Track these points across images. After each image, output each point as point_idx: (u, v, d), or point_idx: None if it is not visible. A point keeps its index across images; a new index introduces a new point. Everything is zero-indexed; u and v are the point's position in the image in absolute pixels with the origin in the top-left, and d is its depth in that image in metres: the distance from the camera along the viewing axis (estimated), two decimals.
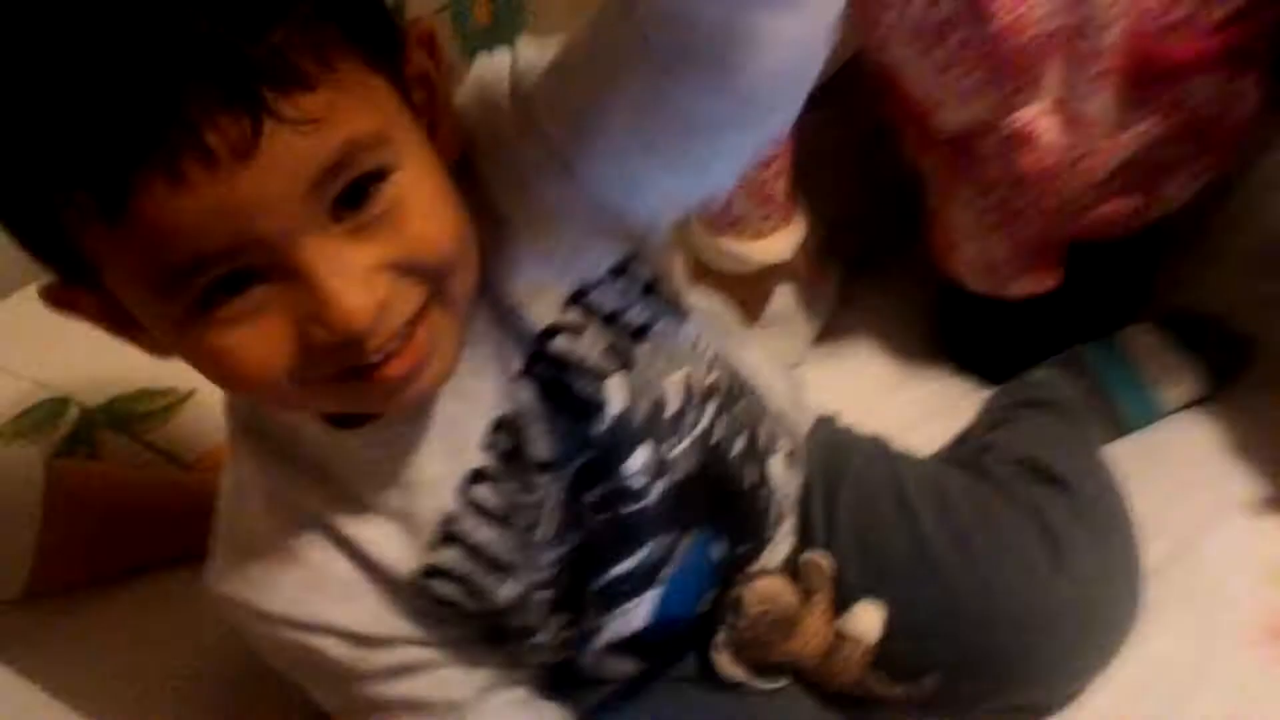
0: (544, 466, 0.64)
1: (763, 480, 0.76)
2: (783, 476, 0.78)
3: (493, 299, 0.60)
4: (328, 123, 0.48)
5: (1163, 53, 0.88)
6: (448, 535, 0.64)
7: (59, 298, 0.55)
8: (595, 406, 0.63)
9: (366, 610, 0.64)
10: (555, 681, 0.75)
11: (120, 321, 0.55)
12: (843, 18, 0.52)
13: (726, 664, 0.75)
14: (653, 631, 0.74)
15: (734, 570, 0.76)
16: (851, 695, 0.78)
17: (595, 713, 0.77)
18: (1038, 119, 0.90)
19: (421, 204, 0.52)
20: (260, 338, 0.51)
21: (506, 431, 0.63)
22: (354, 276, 0.50)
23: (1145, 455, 0.94)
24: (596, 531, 0.67)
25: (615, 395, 0.64)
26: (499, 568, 0.66)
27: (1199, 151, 0.96)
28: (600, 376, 0.63)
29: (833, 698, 0.78)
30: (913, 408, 1.02)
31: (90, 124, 0.45)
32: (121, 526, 0.90)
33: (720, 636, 0.75)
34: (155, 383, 1.01)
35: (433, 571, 0.64)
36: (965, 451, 0.91)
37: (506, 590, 0.66)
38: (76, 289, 0.54)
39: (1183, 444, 0.95)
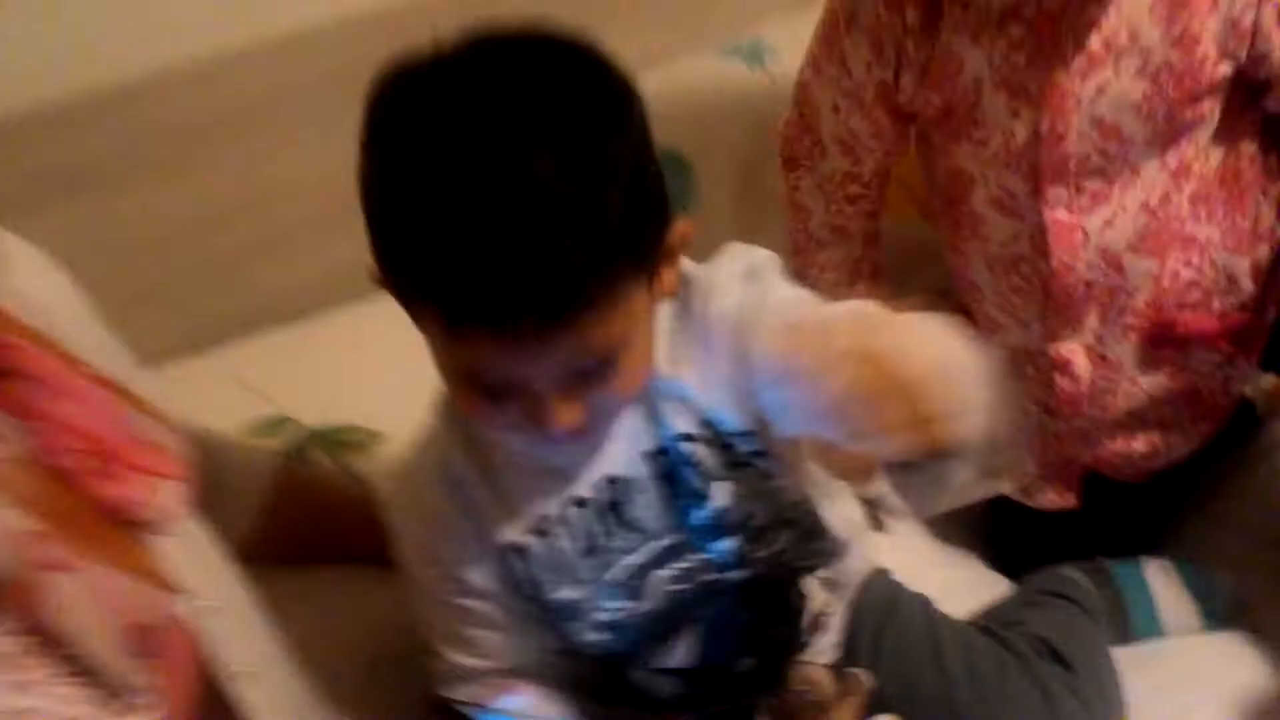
0: (634, 528, 0.84)
1: (799, 587, 0.94)
2: (819, 592, 0.96)
3: (650, 395, 0.82)
4: (598, 331, 0.70)
5: (1177, 322, 1.12)
6: (538, 529, 0.83)
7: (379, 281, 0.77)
8: (701, 498, 0.84)
9: (466, 557, 0.85)
10: (607, 685, 0.93)
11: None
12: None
13: None
14: (689, 673, 0.92)
15: (771, 649, 0.93)
16: None
17: None
18: (1075, 351, 1.14)
19: (633, 368, 0.76)
20: (500, 414, 0.75)
21: (616, 486, 0.84)
22: (573, 411, 0.73)
23: (1145, 652, 1.13)
24: (660, 594, 0.87)
25: (719, 495, 0.84)
26: (563, 574, 0.84)
27: (1195, 416, 1.19)
28: (710, 479, 0.84)
29: None
30: (950, 581, 1.18)
31: (463, 287, 0.67)
32: (319, 523, 1.12)
33: (765, 702, 0.93)
34: (361, 422, 1.23)
35: (516, 548, 0.84)
36: (996, 622, 1.08)
37: (562, 593, 0.85)
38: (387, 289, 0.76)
39: (1178, 648, 1.14)
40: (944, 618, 1.04)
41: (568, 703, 0.94)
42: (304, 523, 1.11)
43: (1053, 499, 1.24)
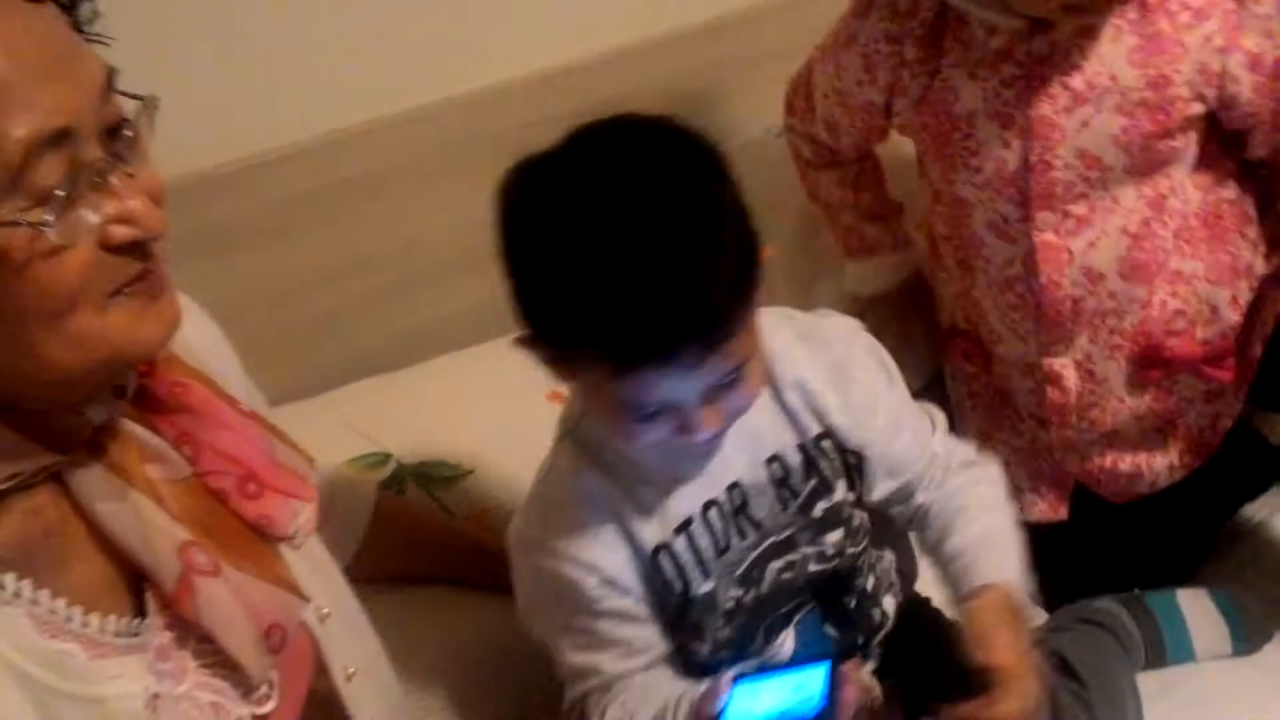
0: (756, 526, 0.96)
1: (879, 605, 1.05)
2: (890, 609, 1.07)
3: (775, 406, 0.96)
4: (735, 348, 0.85)
5: (1163, 346, 1.21)
6: (682, 529, 0.94)
7: (522, 346, 0.90)
8: (829, 490, 0.96)
9: (618, 561, 0.93)
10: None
11: (550, 369, 0.90)
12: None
13: None
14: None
15: (850, 655, 1.02)
16: None
17: None
18: (1065, 366, 1.23)
19: (756, 374, 0.89)
20: (652, 431, 0.88)
21: (738, 491, 0.96)
22: (715, 417, 0.87)
23: (1169, 680, 1.21)
24: (773, 581, 0.98)
25: (839, 489, 0.96)
26: (704, 566, 0.95)
27: (1181, 446, 1.27)
28: (829, 482, 0.96)
29: None
30: None
31: (630, 340, 0.81)
32: (413, 547, 1.22)
33: None
34: (451, 459, 1.33)
35: (664, 549, 0.94)
36: None
37: (703, 586, 0.95)
38: (535, 349, 0.88)
39: (1200, 673, 1.22)
40: None
41: None
42: (399, 547, 1.21)
43: (1044, 510, 1.33)
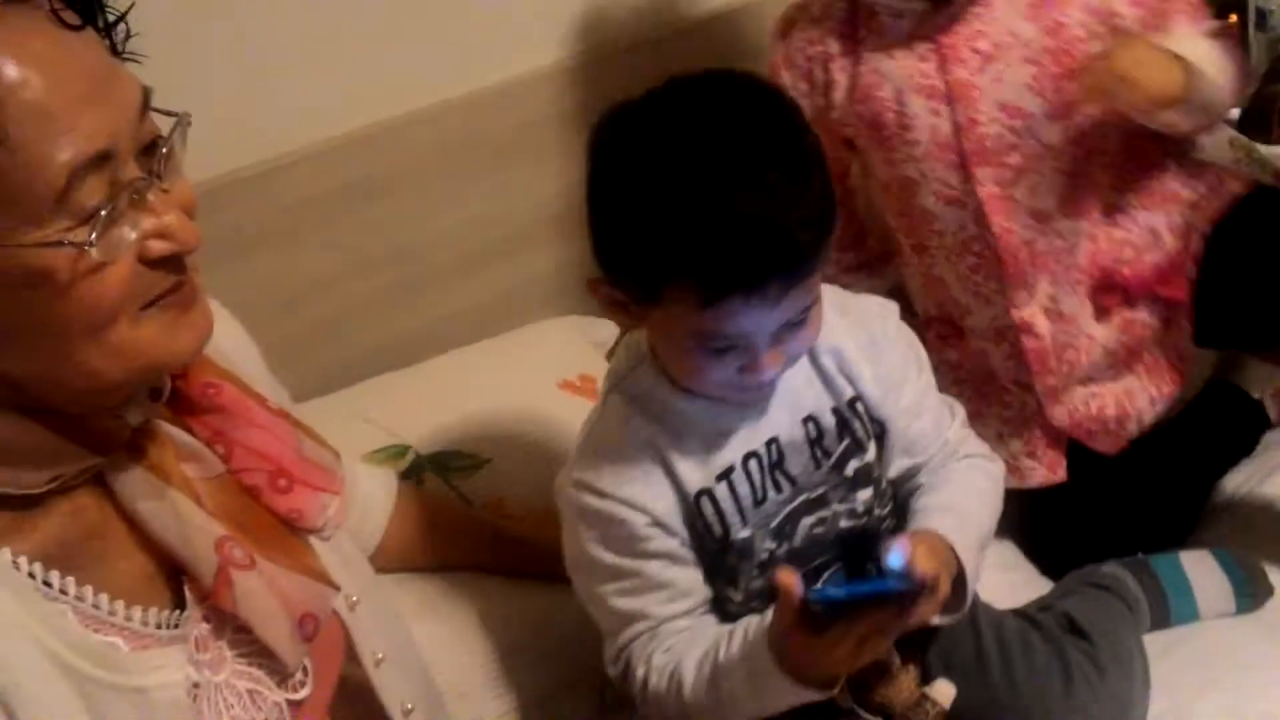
0: (791, 481, 1.01)
1: None
2: None
3: (812, 370, 1.01)
4: (812, 286, 0.91)
5: (1116, 273, 1.31)
6: (723, 476, 0.98)
7: (597, 289, 0.95)
8: (862, 450, 1.00)
9: (665, 504, 0.98)
10: None
11: (620, 314, 0.96)
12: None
13: (841, 694, 1.03)
14: None
15: None
16: None
17: None
18: (1035, 313, 1.31)
19: (817, 320, 0.95)
20: (720, 368, 0.93)
21: (775, 447, 1.00)
22: (777, 359, 0.93)
23: (1174, 638, 1.24)
24: (805, 535, 1.02)
25: (870, 450, 1.00)
26: (743, 513, 0.99)
27: (1154, 376, 1.35)
28: (862, 443, 1.00)
29: None
30: (997, 585, 1.28)
31: (722, 267, 0.86)
32: (433, 535, 1.23)
33: None
34: (467, 449, 1.35)
35: (706, 493, 0.98)
36: (1031, 608, 1.22)
37: (741, 532, 0.99)
38: (615, 290, 0.94)
39: (1203, 631, 1.25)
40: (983, 606, 1.17)
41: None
42: (421, 536, 1.23)
43: (1044, 474, 1.38)
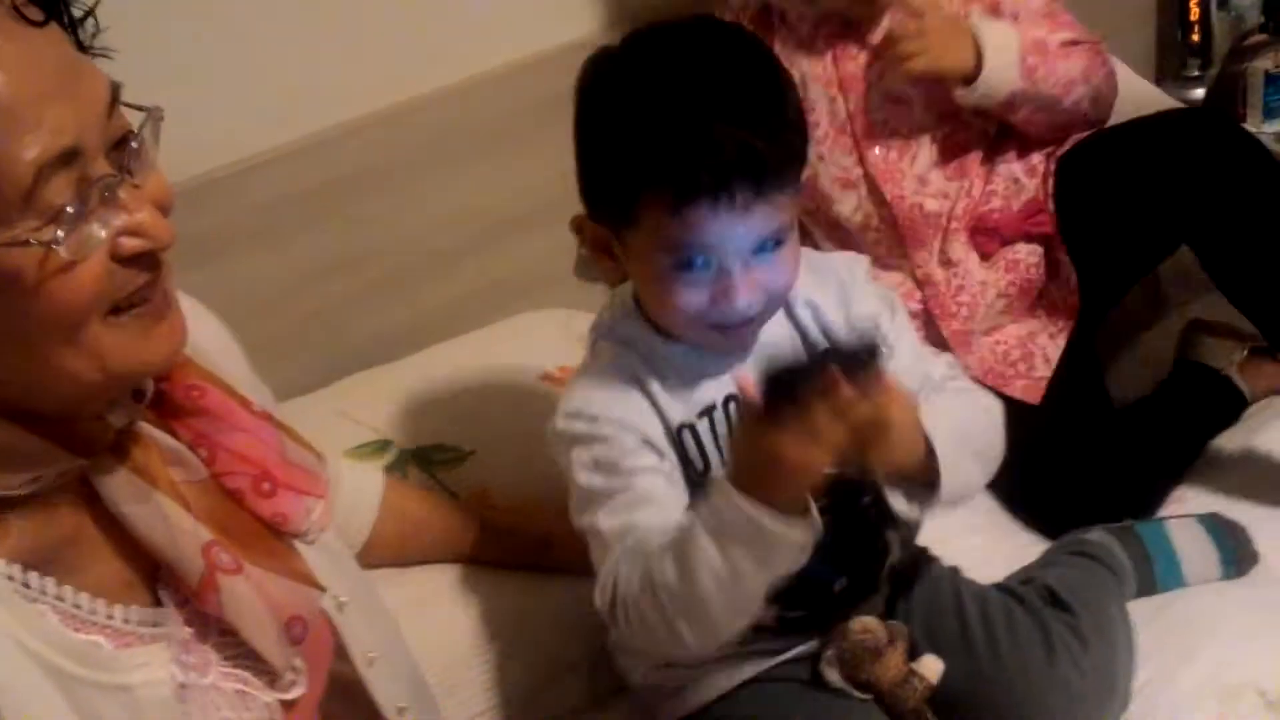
0: None
1: (883, 534, 1.09)
2: (896, 548, 1.11)
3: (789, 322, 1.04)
4: (779, 208, 0.94)
5: (986, 217, 1.46)
6: (705, 413, 1.02)
7: (580, 226, 1.00)
8: None
9: (653, 429, 1.01)
10: None
11: (602, 251, 1.01)
12: None
13: (830, 673, 1.06)
14: (794, 587, 1.01)
15: (860, 575, 1.08)
16: None
17: (724, 699, 1.08)
18: (930, 265, 1.47)
19: (792, 260, 0.97)
20: (694, 293, 0.95)
21: None
22: (752, 290, 0.95)
23: (1159, 605, 1.25)
24: None
25: (896, 499, 0.99)
26: (721, 452, 1.01)
27: (1046, 313, 1.47)
28: None
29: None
30: (983, 549, 1.33)
31: (691, 171, 0.91)
32: (423, 528, 1.24)
33: (829, 652, 1.07)
34: (449, 442, 1.36)
35: (688, 428, 1.02)
36: (1015, 580, 1.22)
37: (721, 468, 1.00)
38: (597, 226, 0.99)
39: (1189, 598, 1.26)
40: (967, 581, 1.18)
41: None
42: (408, 530, 1.23)
43: (1021, 393, 1.42)
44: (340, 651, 0.90)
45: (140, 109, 0.73)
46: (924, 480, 0.98)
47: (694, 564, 0.92)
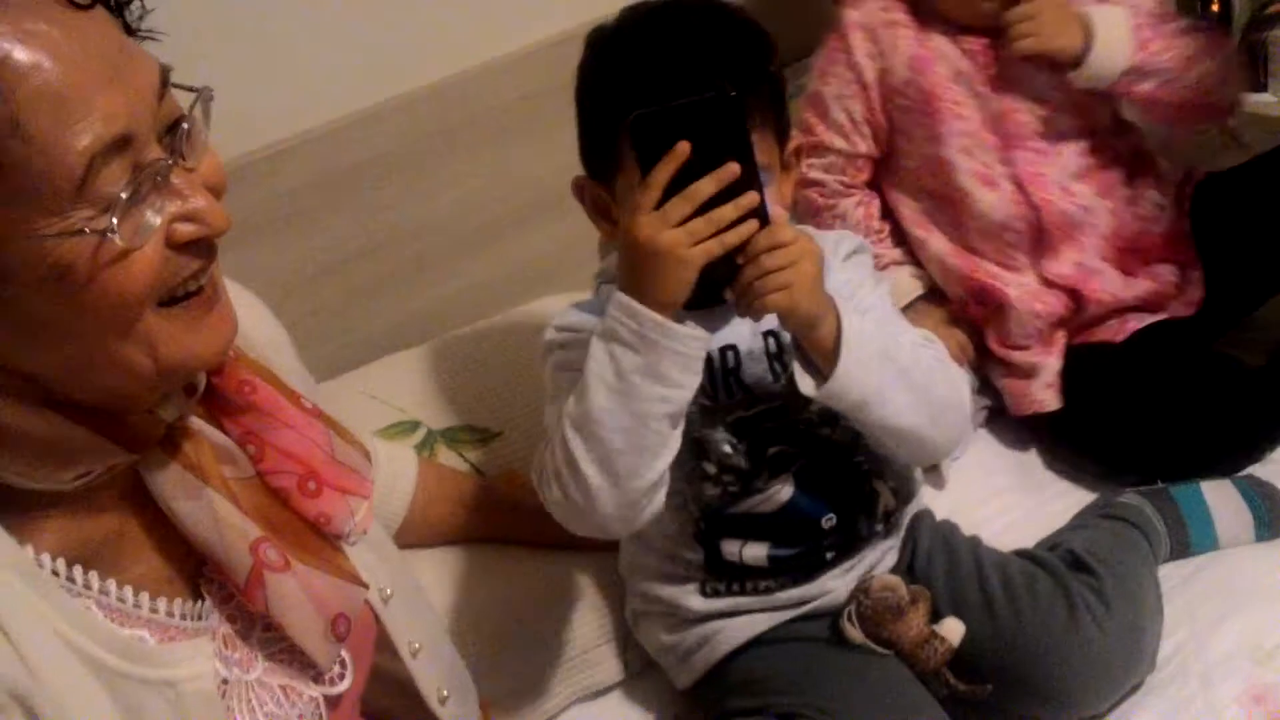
0: (746, 390, 1.07)
1: (872, 484, 1.12)
2: (887, 494, 1.13)
3: None
4: (757, 149, 0.92)
5: (1135, 238, 1.50)
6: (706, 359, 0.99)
7: (581, 187, 1.05)
8: (812, 367, 1.00)
9: None
10: (712, 560, 1.10)
11: (601, 215, 1.04)
12: None
13: (851, 629, 1.07)
14: (783, 521, 1.07)
15: (849, 510, 1.10)
16: (930, 681, 1.09)
17: (747, 649, 1.10)
18: (1063, 269, 1.48)
19: (776, 205, 0.97)
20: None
21: (734, 354, 1.06)
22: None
23: (1194, 568, 1.25)
24: (769, 433, 1.07)
25: (804, 380, 0.99)
26: (704, 391, 1.01)
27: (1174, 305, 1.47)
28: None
29: (918, 678, 1.09)
30: (1007, 511, 1.36)
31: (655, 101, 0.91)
32: (456, 507, 1.24)
33: (850, 609, 1.08)
34: (477, 423, 1.37)
35: None
36: (1040, 547, 1.23)
37: (704, 400, 1.03)
38: (595, 185, 1.02)
39: (1222, 561, 1.26)
40: (988, 549, 1.19)
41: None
42: (441, 510, 1.23)
43: (1049, 399, 1.44)
44: (383, 643, 0.90)
45: (189, 89, 0.72)
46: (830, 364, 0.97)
47: (589, 379, 0.94)
